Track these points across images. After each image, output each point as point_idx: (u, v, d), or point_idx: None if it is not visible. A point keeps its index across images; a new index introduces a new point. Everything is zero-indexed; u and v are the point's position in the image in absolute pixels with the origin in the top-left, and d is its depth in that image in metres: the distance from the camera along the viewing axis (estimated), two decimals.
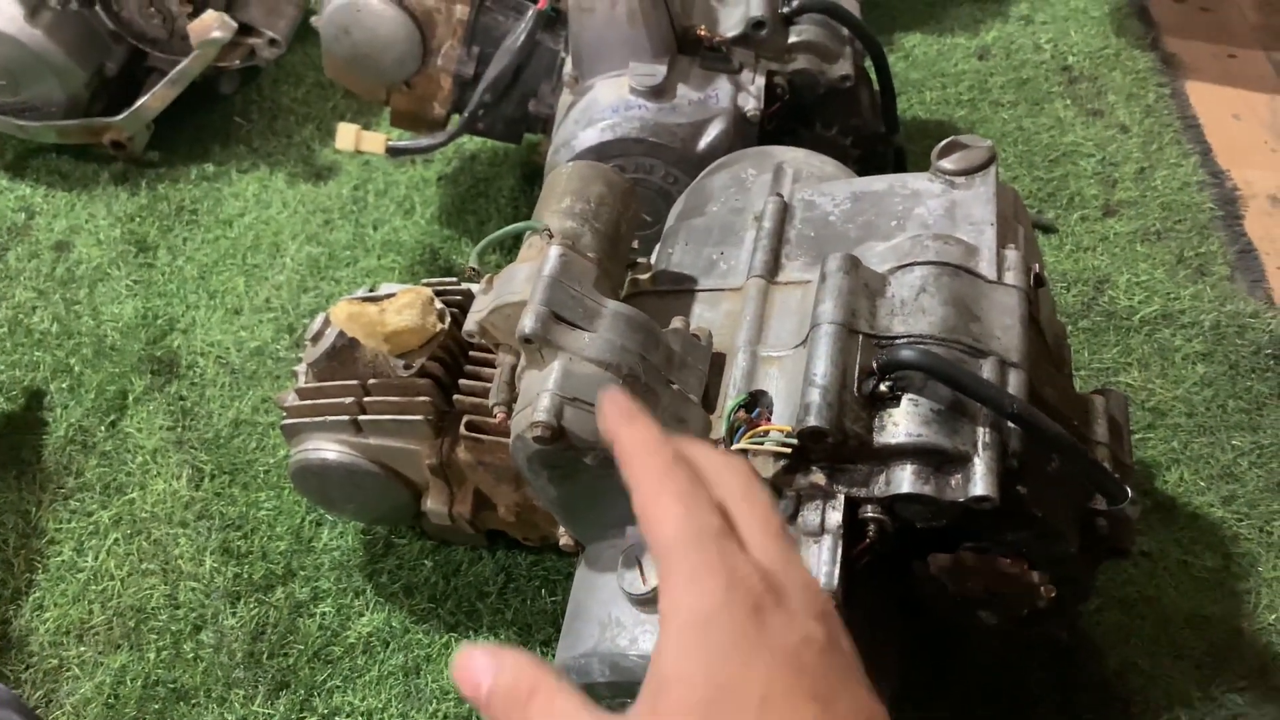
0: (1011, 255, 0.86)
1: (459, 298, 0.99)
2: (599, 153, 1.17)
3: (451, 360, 0.96)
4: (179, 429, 1.19)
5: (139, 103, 1.44)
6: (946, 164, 0.93)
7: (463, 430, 0.91)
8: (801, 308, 0.86)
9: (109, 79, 1.49)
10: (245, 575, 1.06)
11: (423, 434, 0.93)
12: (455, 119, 1.31)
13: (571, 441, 0.75)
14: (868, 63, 1.32)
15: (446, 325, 0.95)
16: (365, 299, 0.99)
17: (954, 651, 0.99)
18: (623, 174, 0.93)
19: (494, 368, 0.89)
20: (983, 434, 0.75)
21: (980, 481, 0.74)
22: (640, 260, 0.96)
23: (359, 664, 1.01)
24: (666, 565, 0.40)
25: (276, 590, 1.06)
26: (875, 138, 1.33)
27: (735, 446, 0.76)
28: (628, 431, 0.44)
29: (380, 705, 0.98)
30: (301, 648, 1.02)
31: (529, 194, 1.46)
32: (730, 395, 0.81)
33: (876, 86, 1.36)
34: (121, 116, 1.44)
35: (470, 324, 0.85)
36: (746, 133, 1.19)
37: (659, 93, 1.16)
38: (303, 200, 1.47)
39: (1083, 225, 1.46)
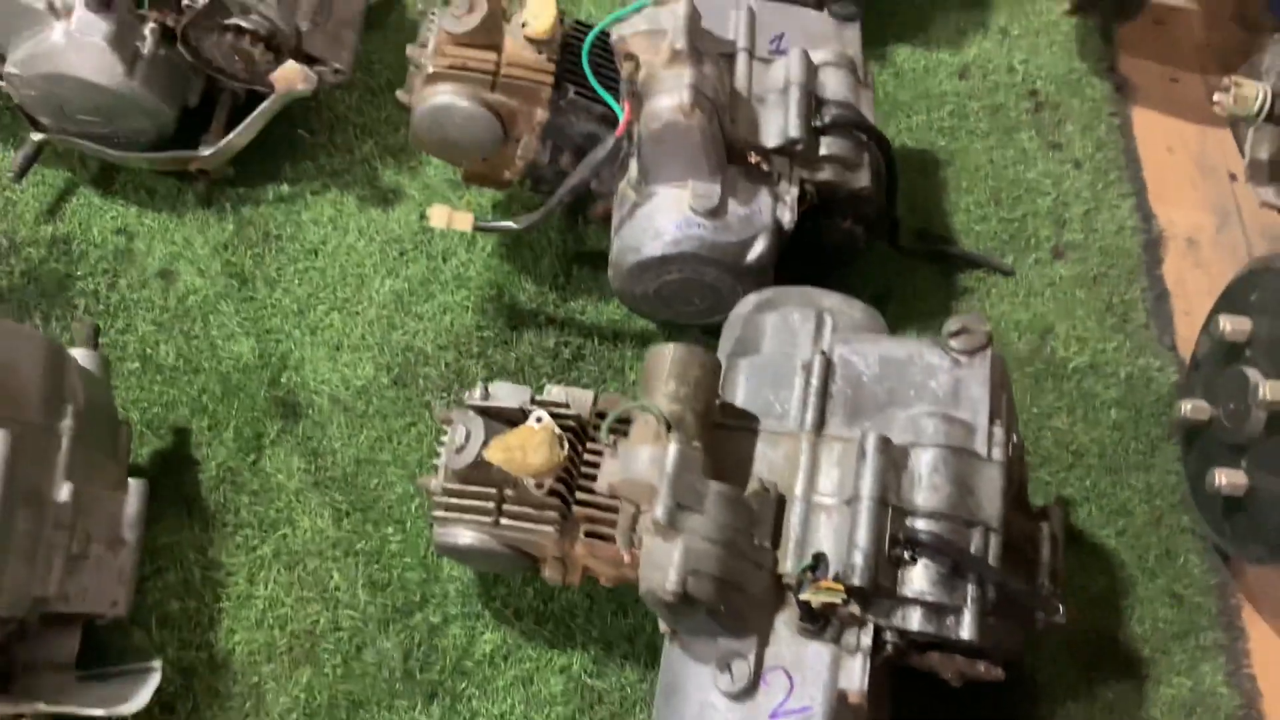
0: (998, 433, 1.17)
1: (571, 423, 1.26)
2: (662, 262, 1.41)
3: (568, 476, 1.24)
4: (313, 470, 1.45)
5: (225, 141, 1.58)
6: (955, 344, 1.22)
7: (584, 537, 1.21)
8: (844, 461, 1.17)
9: (190, 109, 1.62)
10: (390, 603, 1.38)
11: (548, 535, 1.23)
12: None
13: (691, 599, 1.07)
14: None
15: (566, 451, 1.23)
16: (488, 413, 1.26)
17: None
18: (709, 351, 1.19)
19: (598, 468, 1.19)
20: (971, 591, 1.10)
21: (967, 628, 1.09)
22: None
23: (487, 675, 1.35)
24: None
25: (415, 615, 1.38)
26: (878, 220, 1.59)
27: (802, 596, 1.09)
28: None
29: (509, 708, 1.33)
30: (442, 664, 1.35)
31: (574, 229, 1.68)
32: (791, 539, 1.13)
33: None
34: (208, 152, 1.58)
35: (602, 484, 1.15)
36: (782, 240, 1.44)
37: (714, 213, 1.39)
38: (375, 228, 1.67)
39: (1035, 269, 1.76)
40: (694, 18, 1.35)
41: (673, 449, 1.10)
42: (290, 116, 1.71)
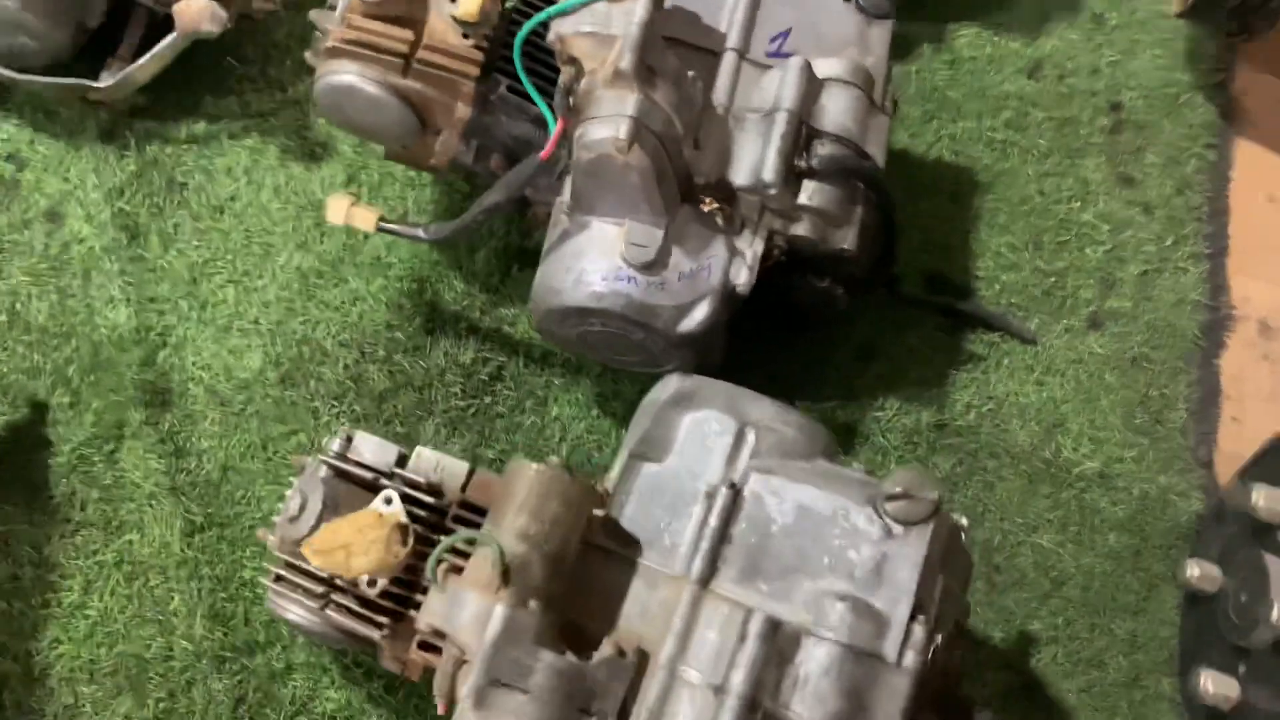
0: (917, 634, 0.95)
1: (426, 514, 1.07)
2: (582, 313, 1.18)
3: (411, 575, 1.06)
4: (172, 472, 1.30)
5: (123, 73, 1.36)
6: (890, 509, 0.98)
7: (417, 649, 1.05)
8: (725, 631, 0.96)
9: (92, 29, 1.39)
10: (230, 639, 1.24)
11: (378, 643, 1.06)
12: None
13: None
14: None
15: (409, 547, 1.04)
16: (340, 474, 1.08)
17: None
18: (580, 480, 0.98)
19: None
20: None
21: None
22: (600, 488, 1.05)
23: None
24: None
25: (256, 656, 1.24)
26: (869, 281, 1.32)
27: None
28: None
29: None
30: (275, 717, 1.22)
31: (523, 218, 1.44)
32: (644, 714, 0.95)
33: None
34: (105, 85, 1.37)
35: (422, 622, 0.97)
36: (734, 304, 1.19)
37: (649, 267, 1.15)
38: (295, 187, 1.45)
39: (1063, 340, 1.47)
40: (650, 26, 1.07)
41: (499, 612, 0.91)
42: (220, 39, 1.47)
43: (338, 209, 1.23)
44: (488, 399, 1.36)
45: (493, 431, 1.35)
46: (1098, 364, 1.47)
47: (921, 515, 0.98)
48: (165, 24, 1.37)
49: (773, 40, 1.26)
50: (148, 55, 1.35)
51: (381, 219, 1.23)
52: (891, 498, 0.98)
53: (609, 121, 1.07)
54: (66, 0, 1.34)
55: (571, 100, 1.11)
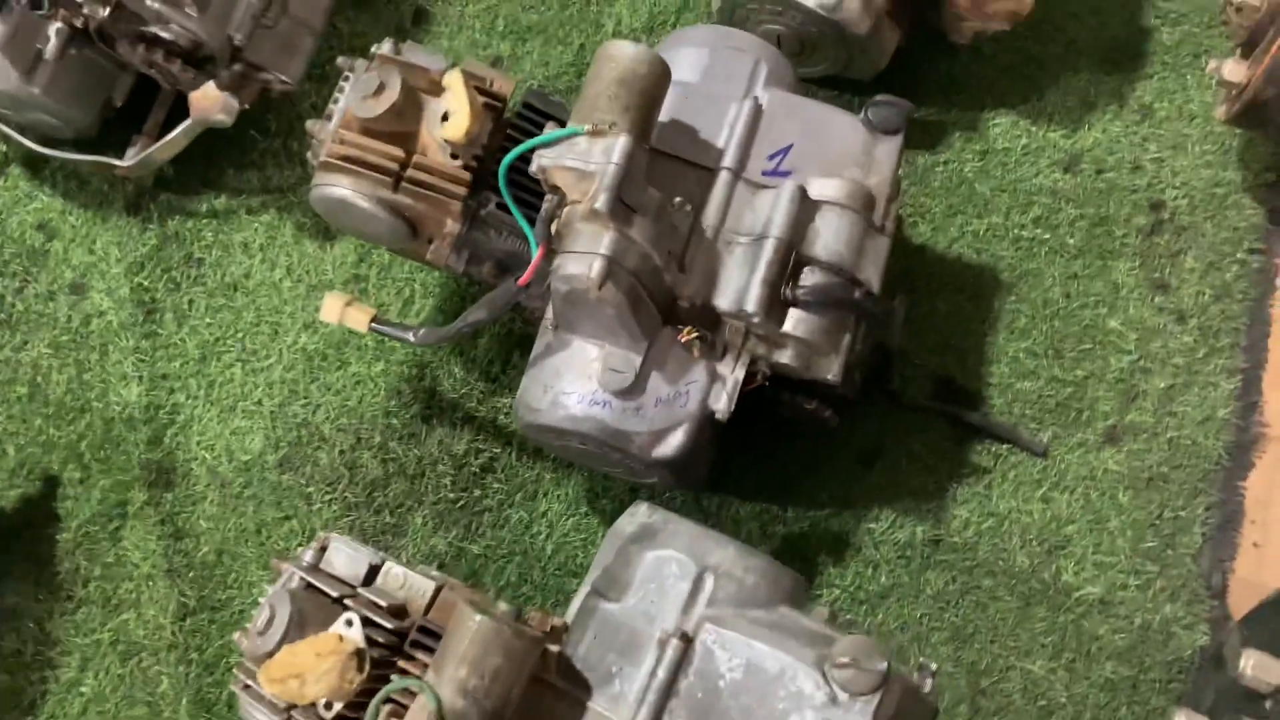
0: None
1: (385, 638, 1.08)
2: (560, 434, 1.18)
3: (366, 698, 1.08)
4: (169, 554, 1.34)
5: (145, 153, 1.40)
6: (838, 676, 0.97)
7: None
8: None
9: (118, 107, 1.43)
10: None
11: None
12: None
13: None
14: None
15: (365, 674, 1.06)
16: (310, 587, 1.11)
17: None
18: (525, 633, 0.98)
19: None
20: None
21: None
22: (557, 623, 1.05)
23: None
24: None
25: None
26: (860, 399, 1.29)
27: None
28: None
29: None
30: None
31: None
32: None
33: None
34: (128, 163, 1.41)
35: None
36: (713, 428, 1.18)
37: (627, 393, 1.14)
38: (306, 267, 1.47)
39: (1075, 455, 1.42)
40: (629, 164, 1.05)
41: None
42: (247, 111, 1.50)
43: (332, 309, 1.24)
44: (477, 492, 1.38)
45: (480, 526, 1.37)
46: (1111, 482, 1.41)
47: (869, 687, 0.96)
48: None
49: (772, 157, 1.23)
50: (164, 140, 1.38)
51: (375, 319, 1.24)
52: (839, 665, 0.97)
53: (583, 259, 1.06)
54: (90, 82, 1.38)
55: (554, 228, 1.10)
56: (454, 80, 1.11)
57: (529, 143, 1.09)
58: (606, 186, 1.04)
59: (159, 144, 1.39)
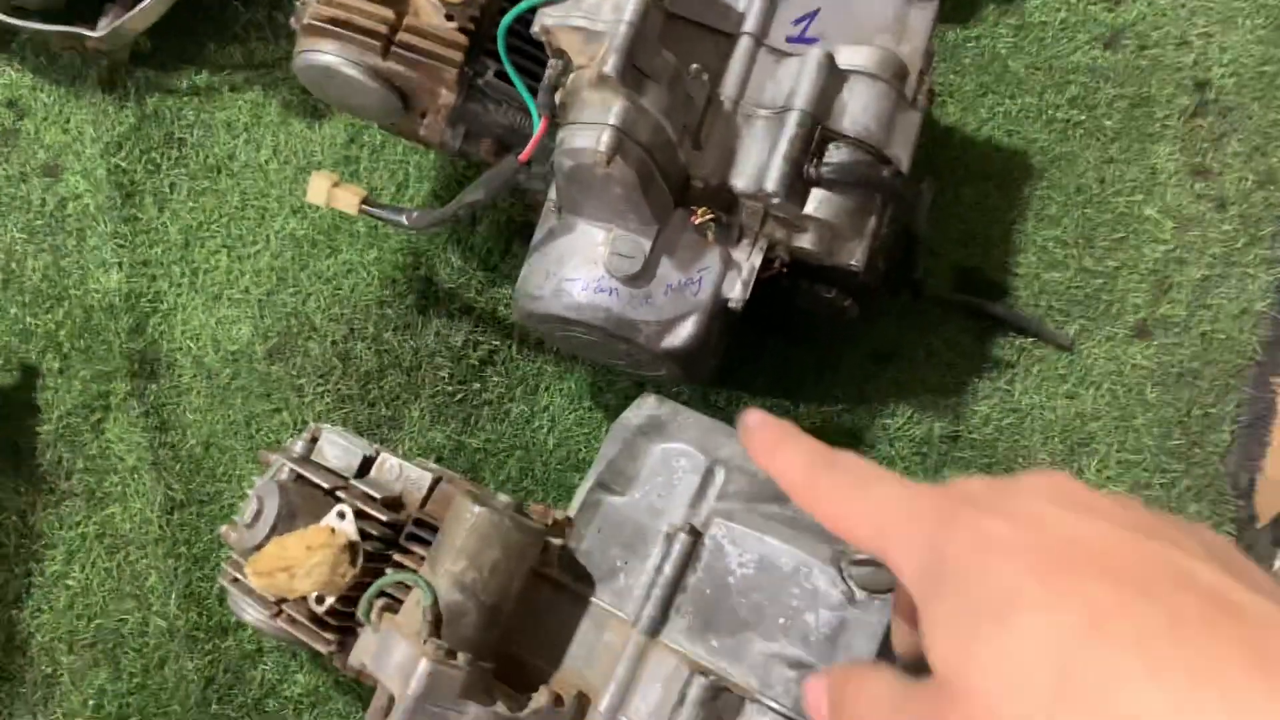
0: None
1: (379, 530, 1.03)
2: (563, 322, 1.11)
3: (359, 592, 1.04)
4: (155, 446, 1.29)
5: (118, 22, 1.30)
6: (855, 573, 0.92)
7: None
8: (669, 686, 0.92)
9: None
10: (205, 619, 1.25)
11: (323, 650, 1.05)
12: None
13: None
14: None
15: (358, 568, 1.02)
16: (300, 479, 1.05)
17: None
18: (526, 525, 0.92)
19: None
20: None
21: None
22: (559, 516, 1.00)
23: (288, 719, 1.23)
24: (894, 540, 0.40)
25: (228, 638, 1.24)
26: (885, 289, 1.21)
27: None
28: (779, 465, 0.46)
29: None
30: (243, 698, 1.23)
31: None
32: None
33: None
34: (100, 32, 1.31)
35: (354, 660, 0.95)
36: (725, 319, 1.11)
37: (634, 279, 1.06)
38: (294, 147, 1.38)
39: (1103, 349, 1.35)
40: (642, 23, 0.96)
41: (423, 666, 0.87)
42: None
43: (319, 190, 1.16)
44: (476, 385, 1.32)
45: (479, 419, 1.31)
46: (1139, 377, 1.35)
47: (886, 585, 0.91)
48: None
49: (797, 22, 1.13)
50: (139, 7, 1.28)
51: (365, 201, 1.16)
52: (856, 562, 0.92)
53: (590, 130, 0.97)
54: None
55: (558, 98, 1.01)
56: None
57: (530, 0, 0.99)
58: (617, 48, 0.95)
59: (132, 13, 1.28)
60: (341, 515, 1.04)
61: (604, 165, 0.97)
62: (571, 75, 1.01)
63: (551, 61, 1.02)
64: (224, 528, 1.11)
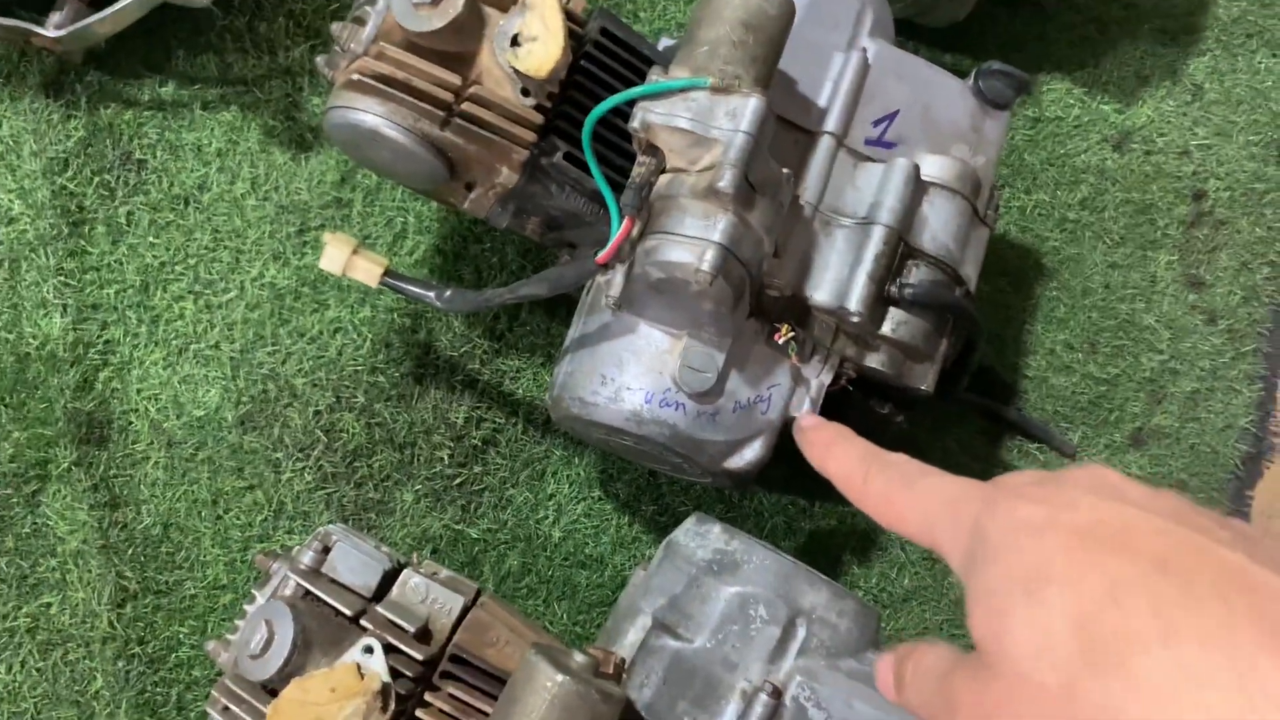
0: None
1: (412, 670, 0.91)
2: (615, 431, 1.01)
3: None
4: (104, 525, 1.11)
5: (80, 24, 1.09)
6: None
7: None
8: None
9: None
10: None
11: None
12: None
13: None
14: None
15: (389, 714, 0.90)
16: (310, 598, 0.92)
17: None
18: (611, 693, 0.83)
19: None
20: None
21: None
22: (616, 658, 0.91)
23: None
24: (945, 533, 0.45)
25: None
26: (931, 400, 1.17)
27: None
28: (833, 464, 0.54)
29: None
30: None
31: (535, 256, 1.25)
32: None
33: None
34: (56, 33, 1.10)
35: None
36: (788, 433, 1.04)
37: (704, 395, 0.98)
38: (277, 180, 1.21)
39: (1102, 456, 1.37)
40: (761, 137, 0.87)
41: None
42: None
43: (335, 257, 1.01)
44: (478, 467, 1.20)
45: (479, 506, 1.19)
46: None
47: None
48: None
49: (877, 123, 1.06)
50: (111, 9, 1.08)
51: (388, 272, 1.02)
52: None
53: (692, 245, 0.87)
54: None
55: (643, 200, 0.91)
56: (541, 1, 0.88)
57: (634, 91, 0.88)
58: (733, 161, 0.85)
59: (102, 14, 1.08)
60: (369, 650, 0.91)
61: (706, 284, 0.88)
62: (667, 178, 0.91)
63: (642, 158, 0.91)
64: (211, 643, 0.96)
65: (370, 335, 1.20)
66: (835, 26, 1.07)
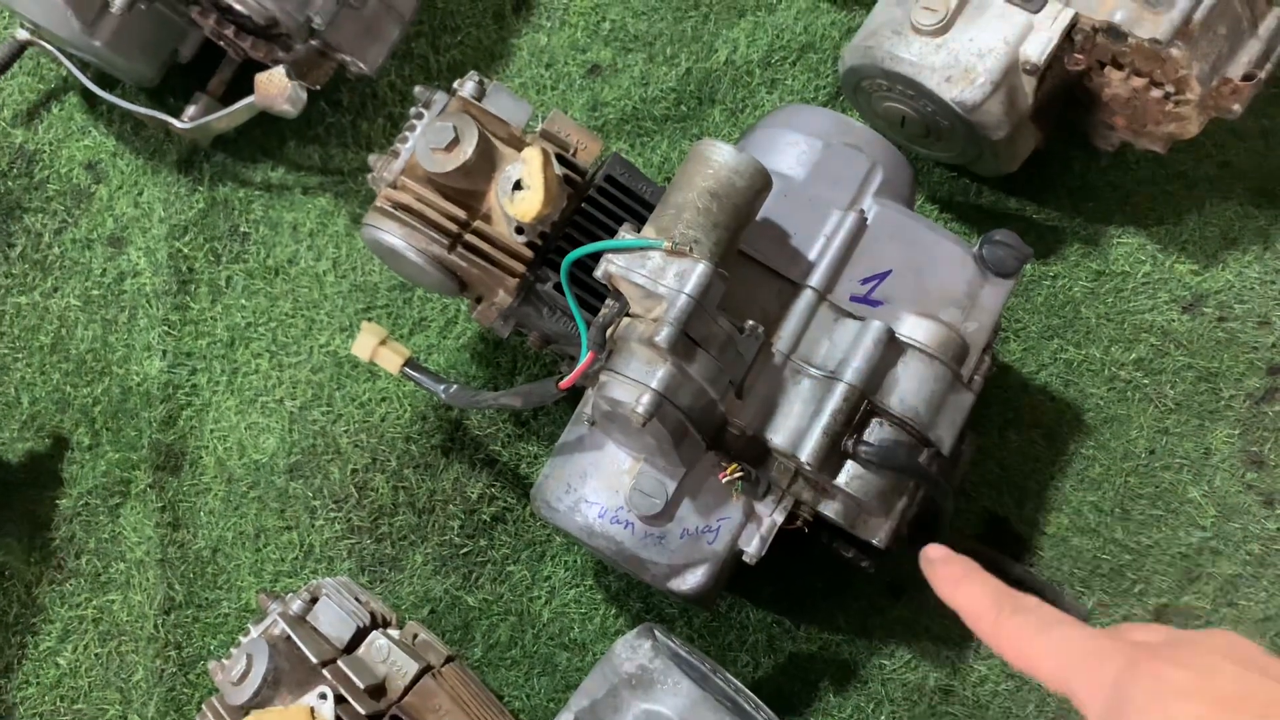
0: None
1: (364, 716, 1.04)
2: (573, 537, 1.10)
3: None
4: (165, 544, 1.30)
5: (202, 120, 1.31)
6: None
7: None
8: None
9: (183, 64, 1.33)
10: None
11: None
12: None
13: None
14: None
15: None
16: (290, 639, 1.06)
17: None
18: None
19: None
20: None
21: None
22: None
23: None
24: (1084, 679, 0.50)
25: None
26: (900, 549, 1.19)
27: None
28: (962, 600, 0.59)
29: None
30: None
31: None
32: None
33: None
34: (184, 126, 1.32)
35: None
36: (736, 570, 1.10)
37: (654, 519, 1.06)
38: (354, 263, 1.39)
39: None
40: (703, 297, 0.95)
41: None
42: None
43: (365, 344, 1.16)
44: (484, 541, 1.32)
45: (480, 577, 1.31)
46: None
47: None
48: (258, 66, 1.30)
49: (865, 281, 1.11)
50: (224, 111, 1.28)
51: (408, 363, 1.17)
52: None
53: (632, 387, 0.96)
54: (156, 37, 1.28)
55: (604, 338, 1.01)
56: (532, 158, 0.99)
57: (599, 245, 0.98)
58: (671, 320, 0.94)
59: (218, 115, 1.29)
60: (323, 696, 1.05)
61: (640, 425, 0.96)
62: (625, 321, 1.00)
63: (609, 301, 1.01)
64: (214, 664, 1.13)
65: (410, 407, 1.35)
66: (838, 186, 1.13)
